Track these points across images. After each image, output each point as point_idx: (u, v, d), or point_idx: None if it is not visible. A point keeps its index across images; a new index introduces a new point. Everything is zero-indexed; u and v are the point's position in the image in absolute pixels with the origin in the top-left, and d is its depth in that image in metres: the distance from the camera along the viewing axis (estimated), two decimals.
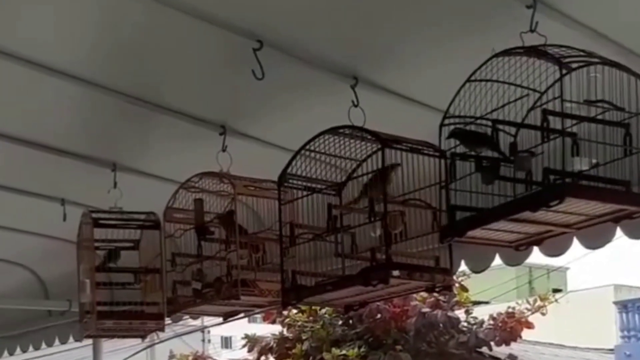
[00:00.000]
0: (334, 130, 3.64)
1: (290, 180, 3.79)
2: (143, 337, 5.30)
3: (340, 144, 3.70)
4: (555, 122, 3.01)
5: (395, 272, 3.51)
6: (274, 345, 13.36)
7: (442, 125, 3.32)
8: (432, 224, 3.55)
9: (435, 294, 11.53)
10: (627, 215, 3.20)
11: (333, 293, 3.74)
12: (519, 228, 3.33)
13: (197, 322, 21.07)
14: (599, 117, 3.13)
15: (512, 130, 3.17)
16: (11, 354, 7.18)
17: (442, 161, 3.41)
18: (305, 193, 3.79)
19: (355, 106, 3.69)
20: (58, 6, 3.61)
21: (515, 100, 3.14)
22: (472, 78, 3.23)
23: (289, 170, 3.78)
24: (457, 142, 3.30)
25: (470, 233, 3.32)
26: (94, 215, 4.71)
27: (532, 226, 3.31)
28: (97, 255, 4.80)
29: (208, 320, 19.86)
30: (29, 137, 4.61)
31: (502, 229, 3.32)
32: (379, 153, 3.52)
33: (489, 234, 3.37)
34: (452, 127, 3.31)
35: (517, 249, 3.54)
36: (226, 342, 35.12)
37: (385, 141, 3.49)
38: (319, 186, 3.79)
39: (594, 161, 3.10)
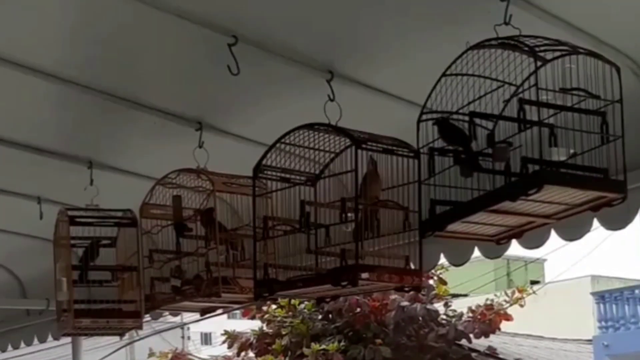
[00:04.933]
0: (309, 126, 3.63)
1: (266, 172, 3.77)
2: (121, 335, 5.27)
3: (316, 138, 3.68)
4: (531, 113, 3.01)
5: (365, 275, 3.50)
6: (254, 341, 13.32)
7: (419, 120, 3.29)
8: (403, 224, 3.54)
9: None
10: (606, 203, 3.17)
11: (304, 289, 3.73)
12: (500, 220, 3.30)
13: (177, 319, 21.03)
14: (576, 105, 3.13)
15: (489, 124, 3.15)
16: None
17: (416, 162, 3.39)
18: (280, 185, 3.76)
19: (332, 100, 3.68)
20: (34, 5, 3.59)
21: (491, 91, 3.13)
22: (448, 72, 3.21)
23: (263, 162, 3.76)
24: (436, 137, 3.28)
25: (451, 227, 3.28)
26: (70, 213, 4.68)
27: (512, 218, 3.28)
28: (74, 253, 4.77)
29: (187, 317, 19.83)
30: (4, 135, 4.58)
31: (483, 221, 3.29)
32: (352, 149, 3.48)
33: (470, 228, 3.34)
34: (430, 122, 3.29)
35: (498, 242, 3.50)
36: (206, 339, 35.11)
37: (358, 142, 3.47)
38: (294, 177, 3.77)
39: (571, 151, 3.09)
